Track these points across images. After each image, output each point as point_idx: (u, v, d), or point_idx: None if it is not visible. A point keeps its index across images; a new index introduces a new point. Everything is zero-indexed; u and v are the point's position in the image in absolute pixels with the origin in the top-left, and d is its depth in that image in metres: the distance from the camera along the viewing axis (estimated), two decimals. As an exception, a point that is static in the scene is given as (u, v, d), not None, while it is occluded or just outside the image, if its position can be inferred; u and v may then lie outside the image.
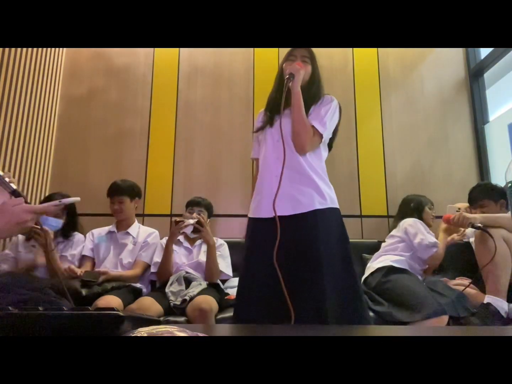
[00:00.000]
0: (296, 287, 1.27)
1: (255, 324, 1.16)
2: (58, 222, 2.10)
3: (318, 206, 1.39)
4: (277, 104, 1.47)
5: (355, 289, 1.36)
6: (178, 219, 2.12)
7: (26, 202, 1.00)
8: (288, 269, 1.28)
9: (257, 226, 1.45)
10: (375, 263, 2.21)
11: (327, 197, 1.42)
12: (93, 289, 1.91)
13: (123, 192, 2.28)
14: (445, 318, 1.73)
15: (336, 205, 1.45)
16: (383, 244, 2.34)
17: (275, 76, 1.59)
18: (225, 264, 2.22)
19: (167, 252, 2.14)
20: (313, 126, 1.44)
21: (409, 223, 2.27)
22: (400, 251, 2.21)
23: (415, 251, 2.18)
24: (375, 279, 2.09)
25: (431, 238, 2.17)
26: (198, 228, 2.11)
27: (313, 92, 1.51)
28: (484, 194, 2.20)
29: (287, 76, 1.42)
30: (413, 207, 2.42)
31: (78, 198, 1.10)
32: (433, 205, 2.51)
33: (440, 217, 2.27)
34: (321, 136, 1.45)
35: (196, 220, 2.11)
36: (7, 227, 0.93)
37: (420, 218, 2.36)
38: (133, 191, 2.34)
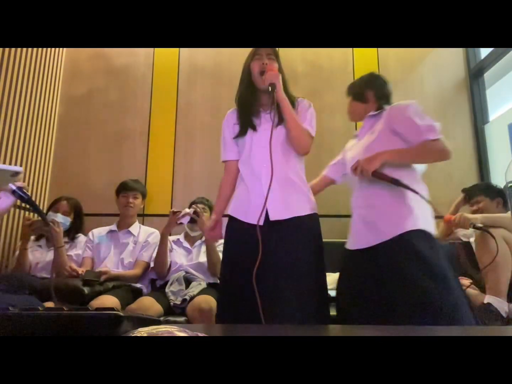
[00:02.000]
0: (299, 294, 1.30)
1: (255, 324, 1.16)
2: (66, 220, 2.18)
3: (309, 211, 1.43)
4: (252, 106, 1.48)
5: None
6: (175, 209, 2.17)
7: (35, 208, 1.00)
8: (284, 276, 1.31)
9: (249, 231, 1.39)
10: None
11: (312, 202, 1.47)
12: (95, 288, 1.92)
13: (138, 189, 2.39)
14: None
15: (316, 210, 1.48)
16: None
17: (242, 75, 1.53)
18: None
19: (163, 242, 2.16)
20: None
21: None
22: None
23: None
24: None
25: None
26: (194, 219, 2.12)
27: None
28: (480, 190, 2.23)
29: (269, 87, 1.38)
30: None
31: (19, 168, 1.00)
32: None
33: (441, 217, 2.26)
34: (312, 138, 1.47)
35: (192, 210, 2.13)
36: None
37: None
38: (144, 192, 2.46)
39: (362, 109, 1.66)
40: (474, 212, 2.20)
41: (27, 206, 1.02)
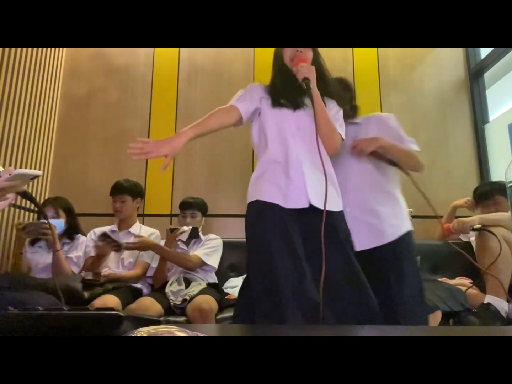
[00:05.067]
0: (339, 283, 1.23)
1: (255, 324, 1.16)
2: (59, 222, 2.14)
3: (341, 208, 1.38)
4: (288, 86, 1.41)
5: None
6: (172, 227, 2.21)
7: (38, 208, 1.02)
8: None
9: (286, 216, 1.29)
10: None
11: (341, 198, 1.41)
12: (95, 291, 1.91)
13: (125, 191, 2.30)
14: (439, 314, 1.73)
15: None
16: None
17: (274, 60, 1.49)
18: (203, 252, 2.21)
19: (162, 260, 2.17)
20: None
21: None
22: None
23: None
24: None
25: None
26: (192, 234, 2.22)
27: (322, 87, 1.39)
28: (498, 190, 2.19)
29: (303, 81, 1.30)
30: None
31: (39, 172, 1.02)
32: None
33: (440, 216, 2.26)
34: (342, 140, 1.43)
35: (190, 228, 2.22)
36: None
37: None
38: (135, 191, 2.36)
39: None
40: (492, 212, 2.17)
41: (26, 206, 1.05)
